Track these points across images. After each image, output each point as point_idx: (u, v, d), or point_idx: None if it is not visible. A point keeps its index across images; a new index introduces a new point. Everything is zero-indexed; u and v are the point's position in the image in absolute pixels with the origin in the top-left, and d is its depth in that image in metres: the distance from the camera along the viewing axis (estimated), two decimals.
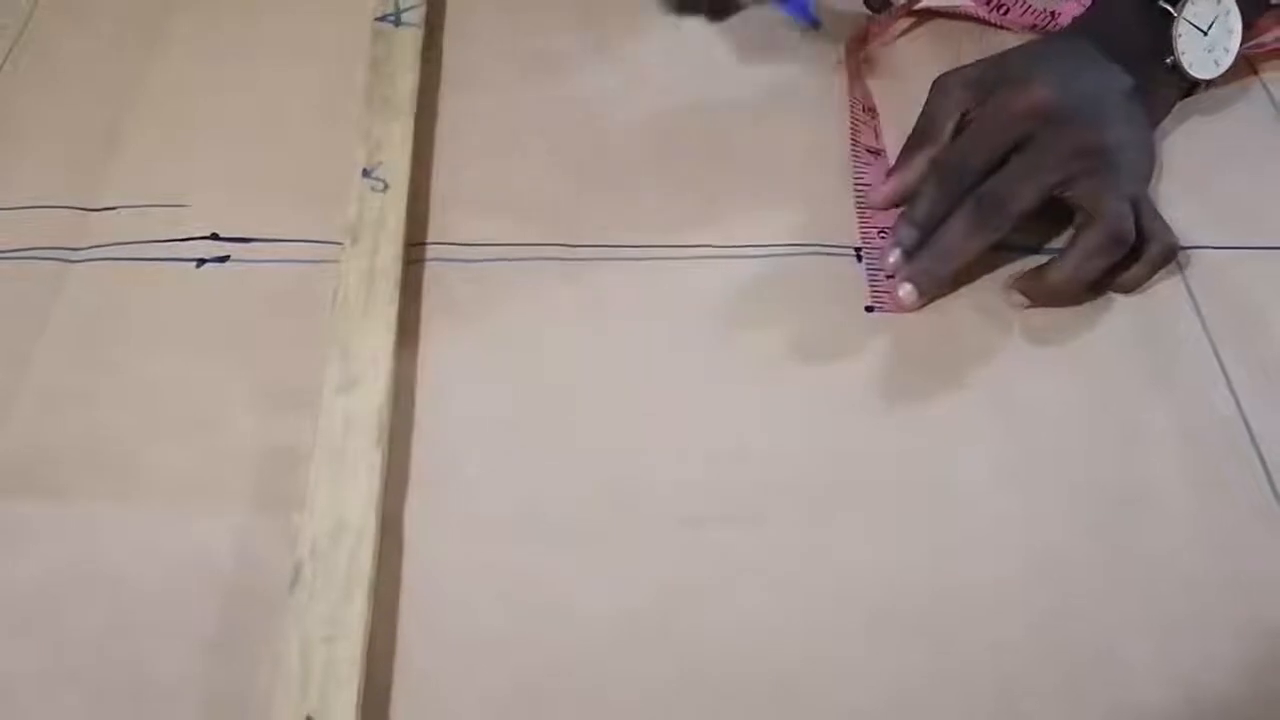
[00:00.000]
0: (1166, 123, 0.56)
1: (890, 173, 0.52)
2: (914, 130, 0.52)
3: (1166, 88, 0.54)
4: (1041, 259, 0.50)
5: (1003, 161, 0.48)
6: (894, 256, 0.49)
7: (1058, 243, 0.51)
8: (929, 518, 0.44)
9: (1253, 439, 0.46)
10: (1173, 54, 0.53)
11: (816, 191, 0.55)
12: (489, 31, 0.62)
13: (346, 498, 0.41)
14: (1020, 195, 0.48)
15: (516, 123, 0.58)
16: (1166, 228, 0.50)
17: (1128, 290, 0.50)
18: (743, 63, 0.61)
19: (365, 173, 0.52)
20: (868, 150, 0.55)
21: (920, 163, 0.50)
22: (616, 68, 0.60)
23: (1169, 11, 0.52)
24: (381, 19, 0.59)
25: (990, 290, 0.50)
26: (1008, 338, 0.49)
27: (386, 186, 0.52)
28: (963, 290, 0.50)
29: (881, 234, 0.52)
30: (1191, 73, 0.54)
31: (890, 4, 0.62)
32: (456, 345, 0.49)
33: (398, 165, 0.53)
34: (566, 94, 0.59)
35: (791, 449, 0.46)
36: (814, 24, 0.60)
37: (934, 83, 0.52)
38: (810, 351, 0.49)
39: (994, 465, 0.45)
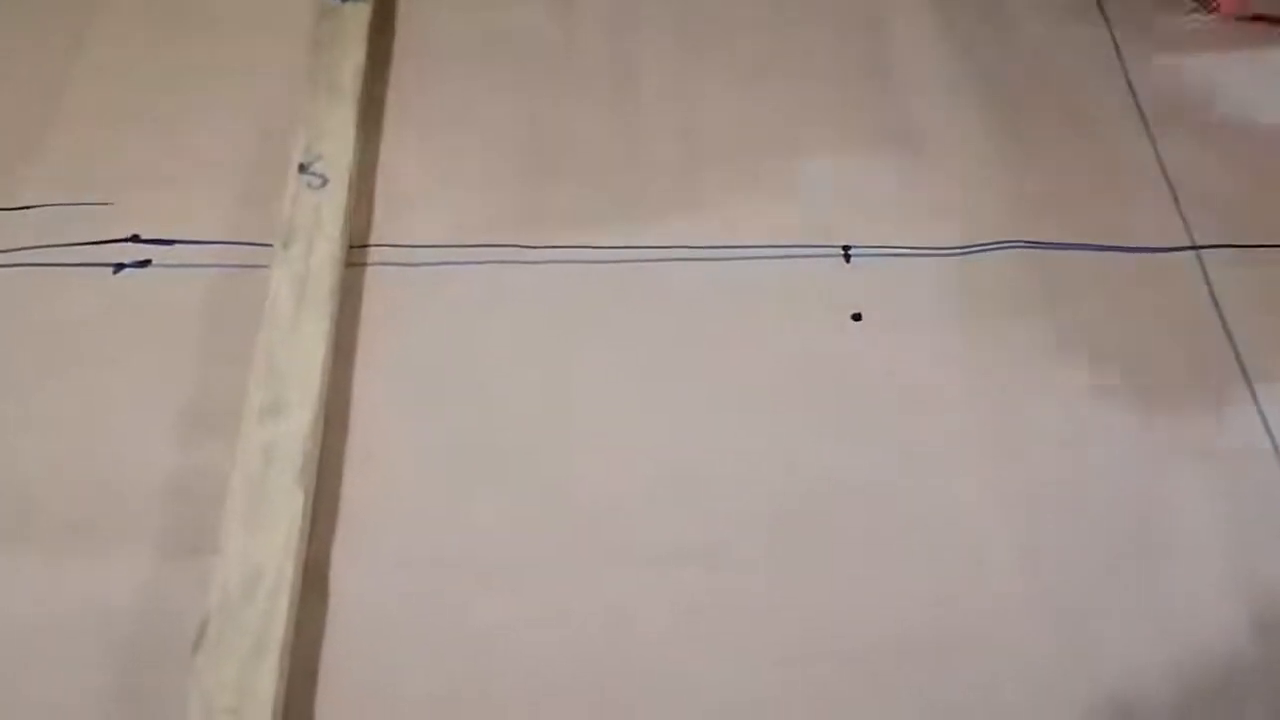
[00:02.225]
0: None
1: None
2: None
3: None
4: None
5: None
6: None
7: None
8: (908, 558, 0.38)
9: None
10: None
11: (800, 187, 0.48)
12: (441, 23, 0.55)
13: (263, 542, 0.35)
14: None
15: (476, 106, 0.51)
16: None
17: None
18: (718, 48, 0.55)
19: (302, 167, 0.46)
20: None
21: None
22: (584, 50, 0.54)
23: None
24: None
25: (985, 309, 0.44)
26: (1006, 357, 0.43)
27: (325, 182, 0.45)
28: (968, 295, 0.45)
29: None
30: None
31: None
32: (397, 362, 0.42)
33: (339, 158, 0.46)
34: (531, 75, 0.52)
35: (753, 479, 0.40)
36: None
37: None
38: (781, 369, 0.43)
39: (983, 498, 0.39)
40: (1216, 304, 0.44)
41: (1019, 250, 0.46)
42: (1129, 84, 0.52)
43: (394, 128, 0.50)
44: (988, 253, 0.46)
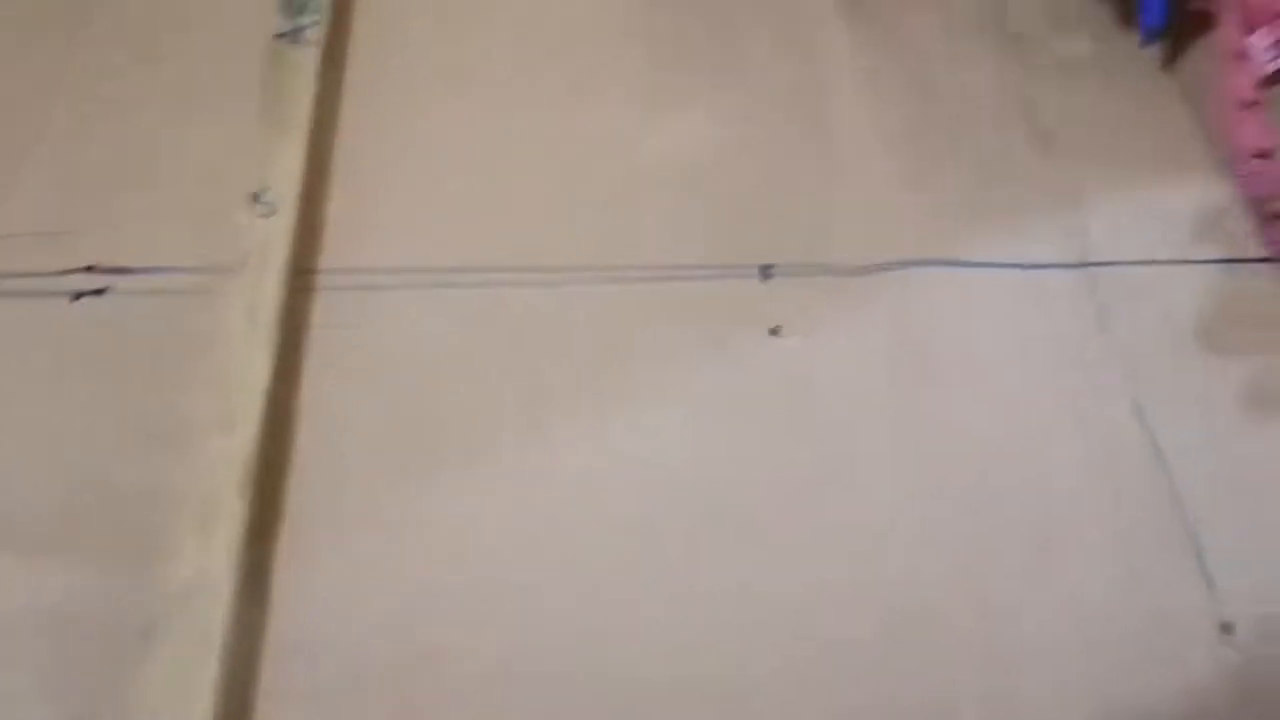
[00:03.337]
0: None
1: None
2: None
3: None
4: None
5: None
6: None
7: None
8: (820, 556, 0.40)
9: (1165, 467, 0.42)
10: None
11: (723, 209, 0.51)
12: (398, 46, 0.57)
13: (208, 550, 0.37)
14: None
15: (422, 141, 0.53)
16: None
17: None
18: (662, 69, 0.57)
19: (254, 198, 0.48)
20: (1254, 154, 0.51)
21: None
22: (532, 82, 0.56)
23: None
24: (280, 36, 0.55)
25: (898, 322, 0.47)
26: (918, 364, 0.45)
27: (275, 211, 0.47)
28: (878, 310, 0.47)
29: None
30: None
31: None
32: (342, 382, 0.44)
33: (288, 189, 0.48)
34: (476, 111, 0.54)
35: (681, 483, 0.42)
36: (1151, 36, 0.56)
37: None
38: (705, 381, 0.45)
39: (892, 498, 0.42)
40: (1105, 315, 0.47)
41: (930, 269, 0.48)
42: (1030, 112, 0.55)
43: (344, 158, 0.52)
44: (900, 271, 0.48)
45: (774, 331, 0.47)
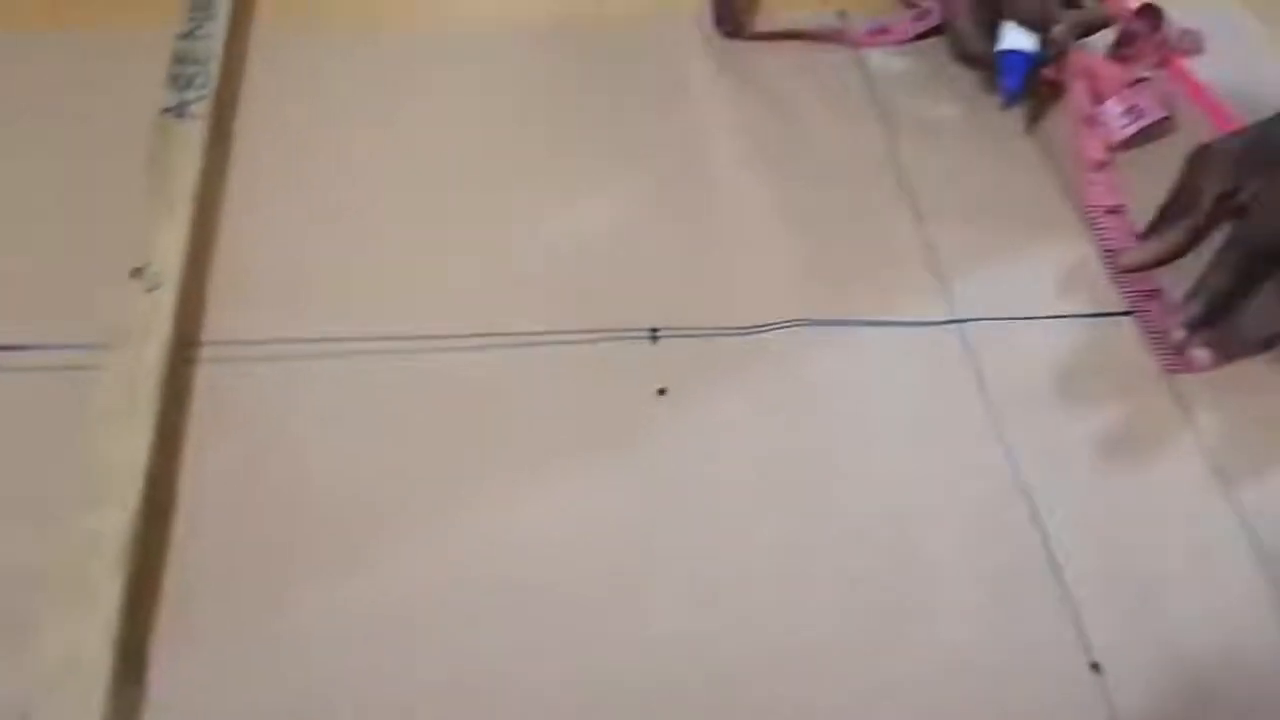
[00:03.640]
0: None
1: (1145, 236, 0.52)
2: (1171, 198, 0.52)
3: None
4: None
5: None
6: (1184, 326, 0.48)
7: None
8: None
9: (1033, 511, 0.44)
10: None
11: (616, 274, 0.52)
12: (286, 120, 0.58)
13: (82, 630, 0.36)
14: None
15: (306, 213, 0.53)
16: None
17: None
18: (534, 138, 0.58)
19: (136, 272, 0.47)
20: (1105, 210, 0.54)
21: (1180, 231, 0.51)
22: (408, 156, 0.57)
23: None
24: (165, 111, 0.55)
25: (774, 381, 0.48)
26: (799, 420, 0.47)
27: (158, 285, 0.47)
28: (761, 369, 0.48)
29: (1146, 294, 0.51)
30: None
31: (743, 29, 0.62)
32: (225, 457, 0.44)
33: (171, 263, 0.48)
34: (367, 185, 0.55)
35: (565, 543, 0.42)
36: (1012, 99, 0.58)
37: (1192, 153, 0.52)
38: (601, 440, 0.46)
39: (771, 548, 0.42)
40: (976, 369, 0.49)
41: (804, 327, 0.50)
42: (900, 174, 0.57)
43: (230, 231, 0.52)
44: (781, 330, 0.49)
45: (661, 392, 0.48)
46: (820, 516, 0.43)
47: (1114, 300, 0.51)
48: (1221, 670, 0.40)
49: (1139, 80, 0.60)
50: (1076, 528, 0.43)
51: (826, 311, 0.50)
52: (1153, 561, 0.42)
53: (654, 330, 0.50)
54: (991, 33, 0.59)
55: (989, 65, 0.59)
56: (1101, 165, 0.55)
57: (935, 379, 0.48)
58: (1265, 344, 0.48)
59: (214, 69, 0.58)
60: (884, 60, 0.64)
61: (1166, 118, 0.58)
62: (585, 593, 0.41)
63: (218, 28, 0.60)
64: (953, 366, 0.49)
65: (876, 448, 0.46)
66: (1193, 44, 0.64)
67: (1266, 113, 0.54)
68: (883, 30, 0.65)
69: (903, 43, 0.64)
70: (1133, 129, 0.57)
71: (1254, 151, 0.51)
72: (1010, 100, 0.58)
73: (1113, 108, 0.57)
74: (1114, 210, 0.54)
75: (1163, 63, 0.63)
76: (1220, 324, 0.48)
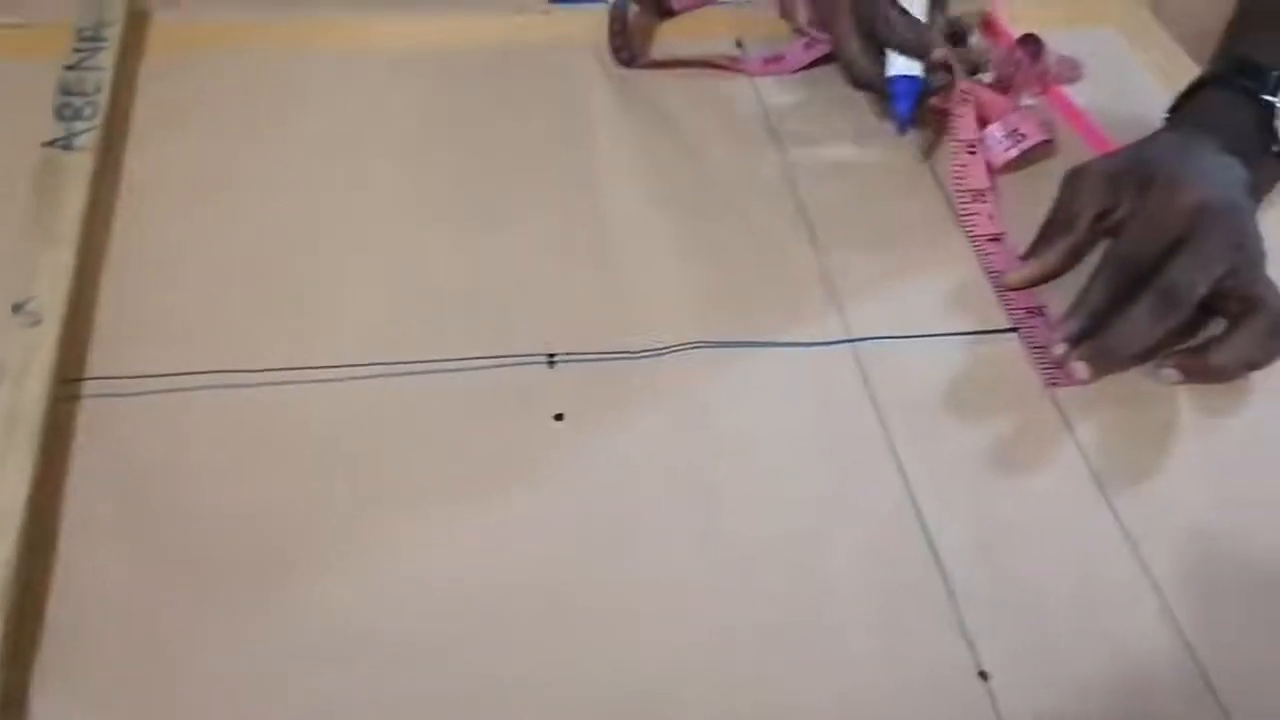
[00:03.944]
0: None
1: (1026, 256, 0.54)
2: (1051, 219, 0.54)
3: (1270, 175, 0.56)
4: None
5: (1163, 256, 0.49)
6: (1065, 340, 0.50)
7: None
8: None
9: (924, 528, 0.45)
10: (1278, 142, 0.54)
11: (512, 301, 0.52)
12: (177, 153, 0.57)
13: None
14: (1197, 287, 0.48)
15: (194, 245, 0.53)
16: None
17: (1260, 368, 0.50)
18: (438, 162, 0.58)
19: (16, 307, 0.46)
20: (987, 238, 0.56)
21: (1059, 250, 0.53)
22: (302, 186, 0.56)
23: (1272, 103, 0.54)
24: (50, 144, 0.54)
25: (673, 403, 0.48)
26: (697, 442, 0.47)
27: (38, 321, 0.46)
28: (658, 392, 0.49)
29: (1029, 312, 0.53)
30: None
31: (639, 58, 0.63)
32: (108, 494, 0.43)
33: (54, 297, 0.47)
34: (251, 215, 0.55)
35: (463, 574, 0.42)
36: (905, 126, 0.59)
37: (1069, 174, 0.54)
38: (497, 467, 0.46)
39: (670, 571, 0.43)
40: (869, 388, 0.50)
41: (701, 350, 0.50)
42: (796, 199, 0.58)
43: (117, 264, 0.51)
44: (673, 354, 0.50)
45: (559, 417, 0.48)
46: (717, 537, 0.44)
47: (1000, 318, 0.53)
48: (1106, 676, 0.41)
49: (1021, 106, 0.62)
50: (966, 540, 0.44)
51: (723, 334, 0.51)
52: (1038, 571, 0.44)
53: (551, 356, 0.50)
54: (880, 58, 0.60)
55: (881, 90, 0.61)
56: (983, 193, 0.57)
57: (829, 398, 0.49)
58: (1141, 357, 0.50)
59: (102, 100, 0.57)
60: (779, 88, 0.65)
61: (1047, 141, 0.60)
62: (481, 623, 0.41)
63: (106, 59, 0.59)
64: (846, 385, 0.50)
65: (772, 467, 0.46)
66: (1071, 71, 0.67)
67: (1141, 135, 0.56)
68: (777, 59, 0.66)
69: (796, 70, 0.66)
70: (1014, 152, 0.59)
71: (1127, 173, 0.53)
72: (903, 126, 0.60)
73: (995, 132, 0.59)
74: (995, 237, 0.56)
75: (1043, 89, 0.65)
76: (1098, 338, 0.50)
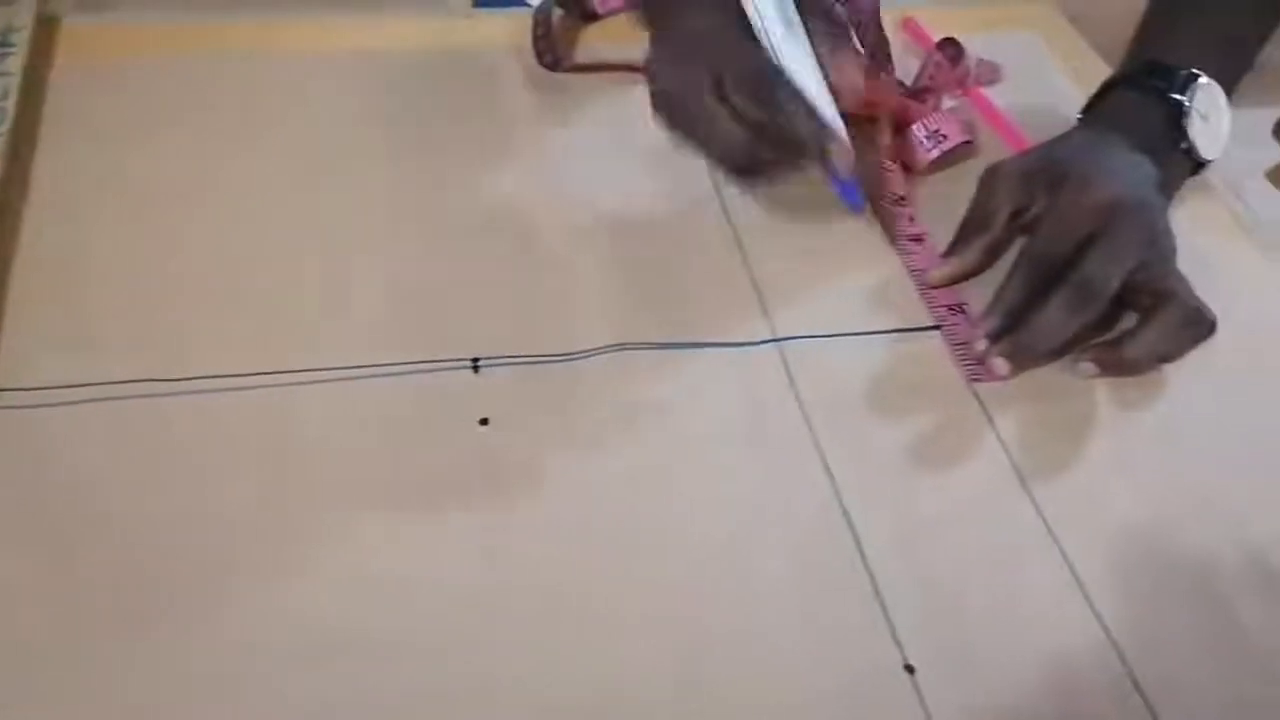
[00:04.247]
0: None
1: (947, 255, 0.54)
2: (968, 218, 0.54)
3: (1179, 172, 0.57)
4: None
5: (1076, 252, 0.50)
6: (985, 337, 0.50)
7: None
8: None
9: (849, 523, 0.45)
10: (1186, 140, 0.55)
11: (437, 306, 0.51)
12: (82, 159, 0.55)
13: None
14: (1111, 281, 0.49)
15: (104, 253, 0.51)
16: (1205, 305, 0.51)
17: (1173, 361, 0.51)
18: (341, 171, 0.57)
19: None
20: (909, 238, 0.56)
21: (977, 248, 0.53)
22: (218, 192, 0.55)
23: (1178, 101, 0.55)
24: None
25: (597, 406, 0.48)
26: (623, 443, 0.47)
27: None
28: (584, 394, 0.48)
29: (951, 309, 0.53)
30: (1204, 156, 0.56)
31: (562, 62, 0.63)
32: (19, 503, 0.41)
33: None
34: (165, 222, 0.53)
35: (402, 582, 0.41)
36: (858, 208, 0.57)
37: (984, 174, 0.54)
38: (422, 474, 0.45)
39: (597, 575, 0.42)
40: (794, 387, 0.50)
41: (626, 352, 0.50)
42: (723, 201, 0.58)
43: (25, 272, 0.50)
44: (600, 356, 0.50)
45: (484, 422, 0.47)
46: (643, 539, 0.43)
47: (922, 316, 0.53)
48: (1031, 669, 0.41)
49: (942, 108, 0.63)
50: (891, 536, 0.44)
51: (649, 336, 0.51)
52: (962, 564, 0.44)
53: (475, 360, 0.49)
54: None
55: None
56: (903, 199, 0.58)
57: (756, 398, 0.49)
58: (1058, 351, 0.51)
59: (10, 106, 0.55)
60: None
61: (968, 142, 0.61)
62: (407, 633, 0.40)
63: (14, 64, 0.57)
64: (773, 386, 0.50)
65: (699, 469, 0.46)
66: (991, 74, 0.68)
67: (1059, 132, 0.57)
68: None
69: None
70: (936, 153, 0.60)
71: (1040, 171, 0.53)
72: (857, 210, 0.58)
73: (917, 132, 0.60)
74: (916, 239, 0.56)
75: (964, 92, 0.66)
76: (1016, 334, 0.50)
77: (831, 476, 0.46)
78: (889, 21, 0.66)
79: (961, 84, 0.66)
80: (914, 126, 0.60)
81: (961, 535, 0.45)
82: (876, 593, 0.43)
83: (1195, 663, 0.42)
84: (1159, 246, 0.51)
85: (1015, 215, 0.53)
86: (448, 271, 0.53)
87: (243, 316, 0.50)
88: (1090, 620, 0.42)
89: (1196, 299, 0.51)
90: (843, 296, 0.54)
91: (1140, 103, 0.56)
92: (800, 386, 0.50)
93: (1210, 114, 0.57)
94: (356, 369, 0.48)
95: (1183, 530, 0.46)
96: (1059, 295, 0.50)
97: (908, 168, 0.60)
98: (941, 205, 0.57)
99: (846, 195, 0.56)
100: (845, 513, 0.45)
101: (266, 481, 0.44)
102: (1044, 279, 0.50)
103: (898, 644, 0.41)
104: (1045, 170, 0.53)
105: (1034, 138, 0.62)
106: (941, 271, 0.54)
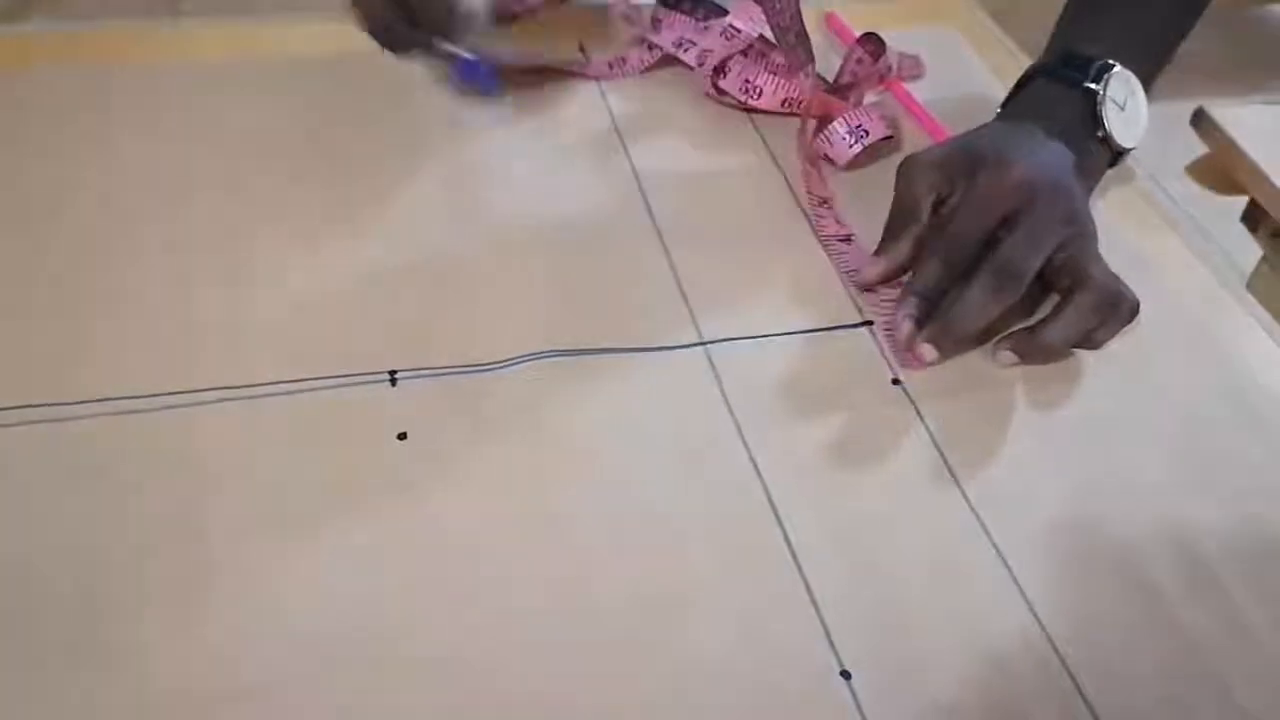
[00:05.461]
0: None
1: (878, 253, 0.54)
2: (893, 212, 0.54)
3: (1098, 160, 0.57)
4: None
5: (995, 234, 0.50)
6: (907, 325, 0.50)
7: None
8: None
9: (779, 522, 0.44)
10: (1103, 129, 0.56)
11: (353, 318, 0.50)
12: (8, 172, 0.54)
13: None
14: (1030, 262, 0.50)
15: (11, 271, 0.50)
16: (1128, 287, 0.51)
17: (1097, 347, 0.51)
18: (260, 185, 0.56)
19: None
20: (838, 239, 0.56)
21: (907, 240, 0.53)
22: (130, 204, 0.54)
23: (1093, 90, 0.56)
24: None
25: (518, 414, 0.47)
26: (544, 452, 0.46)
27: None
28: (505, 404, 0.47)
29: (886, 301, 0.53)
30: (1121, 143, 0.56)
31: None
32: None
33: None
34: (75, 235, 0.52)
35: (319, 605, 0.40)
36: (490, 91, 0.58)
37: (901, 166, 0.54)
38: (339, 492, 0.43)
39: (522, 591, 0.41)
40: (722, 389, 0.49)
41: (548, 360, 0.49)
42: (646, 204, 0.57)
43: None
44: (520, 365, 0.48)
45: (402, 437, 0.46)
46: (571, 551, 0.42)
47: (848, 314, 0.53)
48: (967, 663, 0.41)
49: (863, 104, 0.63)
50: (823, 538, 0.44)
51: (572, 342, 0.49)
52: (896, 564, 0.43)
53: (393, 373, 0.48)
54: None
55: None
56: (826, 200, 0.57)
57: (683, 401, 0.48)
58: (983, 335, 0.51)
59: None
60: (624, 91, 0.65)
61: (890, 137, 0.61)
62: (326, 658, 0.38)
63: None
64: (700, 388, 0.49)
65: (626, 477, 0.45)
66: (913, 68, 0.68)
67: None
68: (620, 61, 0.65)
69: (640, 73, 0.65)
70: (859, 148, 0.59)
71: (958, 157, 0.53)
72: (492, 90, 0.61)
73: (838, 128, 0.60)
74: (845, 239, 0.56)
75: (885, 86, 0.66)
76: (940, 320, 0.50)
77: (762, 479, 0.45)
78: (810, 17, 0.65)
79: (883, 79, 0.65)
80: (835, 122, 0.60)
81: (894, 534, 0.44)
82: (811, 598, 0.42)
83: (1129, 652, 0.41)
84: (1078, 226, 0.51)
85: (938, 205, 0.53)
86: (363, 282, 0.51)
87: (155, 334, 0.48)
88: (1025, 614, 0.42)
89: (1118, 282, 0.51)
90: (768, 296, 0.54)
91: (1057, 92, 0.57)
92: (728, 389, 0.49)
93: (1126, 103, 0.57)
94: (266, 385, 0.46)
95: (1111, 521, 0.46)
96: (979, 278, 0.49)
97: (831, 162, 0.60)
98: (866, 201, 0.57)
99: (468, 76, 0.59)
100: (777, 516, 0.44)
101: (167, 508, 0.42)
102: (962, 262, 0.50)
103: (833, 649, 0.40)
104: (962, 157, 0.53)
105: (955, 131, 0.62)
106: (874, 270, 0.53)
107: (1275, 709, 0.40)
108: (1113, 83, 0.56)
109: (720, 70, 0.63)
